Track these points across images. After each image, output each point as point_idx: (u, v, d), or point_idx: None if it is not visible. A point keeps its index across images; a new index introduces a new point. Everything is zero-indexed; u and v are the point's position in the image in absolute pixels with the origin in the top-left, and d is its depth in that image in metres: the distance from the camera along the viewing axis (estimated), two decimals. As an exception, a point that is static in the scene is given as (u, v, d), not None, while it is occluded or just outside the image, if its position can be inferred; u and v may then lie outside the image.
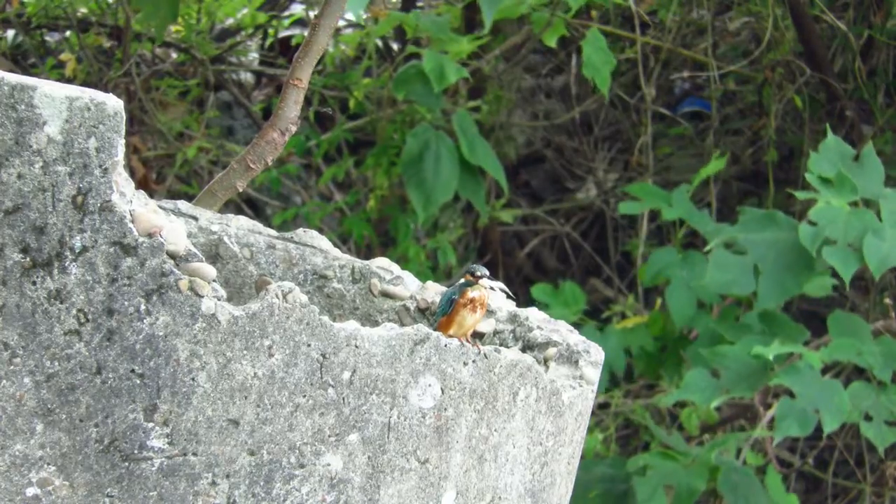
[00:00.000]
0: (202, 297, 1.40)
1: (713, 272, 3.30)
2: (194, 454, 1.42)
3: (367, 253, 4.21)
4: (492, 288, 1.73)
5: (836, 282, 3.46)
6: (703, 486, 3.28)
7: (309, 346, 1.45)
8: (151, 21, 3.58)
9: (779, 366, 3.15)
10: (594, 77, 3.55)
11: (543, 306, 3.54)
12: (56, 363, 1.38)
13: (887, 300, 3.56)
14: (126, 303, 1.39)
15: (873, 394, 3.18)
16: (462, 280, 1.68)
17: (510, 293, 1.79)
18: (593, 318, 3.99)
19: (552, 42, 3.59)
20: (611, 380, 3.83)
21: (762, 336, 3.26)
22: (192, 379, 1.41)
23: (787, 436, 3.13)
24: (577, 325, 3.53)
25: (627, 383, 4.18)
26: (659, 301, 3.85)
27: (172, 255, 1.41)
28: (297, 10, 4.78)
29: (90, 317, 1.38)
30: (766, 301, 3.25)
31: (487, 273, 1.68)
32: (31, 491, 1.39)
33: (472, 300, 1.65)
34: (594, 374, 1.75)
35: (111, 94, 1.41)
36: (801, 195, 3.25)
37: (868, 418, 3.17)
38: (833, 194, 3.16)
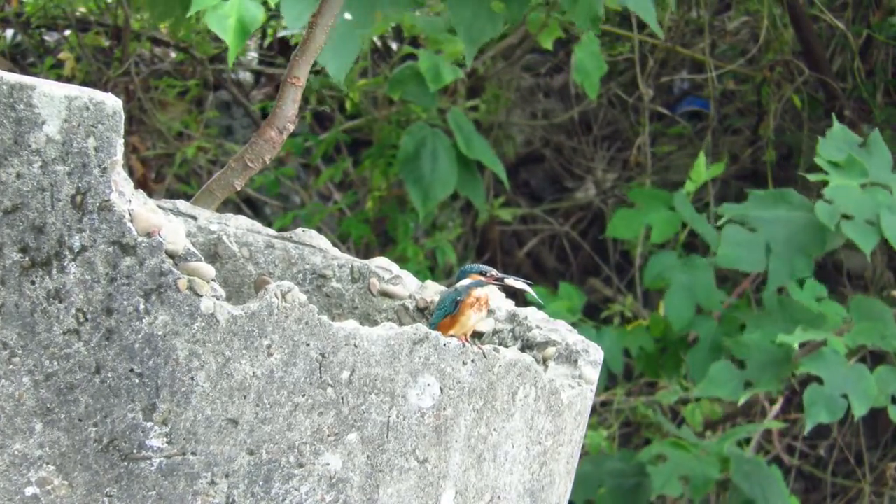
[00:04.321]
0: (201, 296, 1.40)
1: (725, 248, 3.26)
2: (193, 453, 1.42)
3: (365, 253, 4.21)
4: (527, 286, 1.74)
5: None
6: (717, 475, 3.28)
7: (308, 345, 1.45)
8: (165, 20, 3.58)
9: (802, 353, 3.13)
10: (584, 82, 3.55)
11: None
12: (55, 362, 1.38)
13: (895, 293, 3.57)
14: (125, 302, 1.38)
15: None
16: (468, 281, 1.69)
17: (533, 293, 1.79)
18: (593, 317, 3.99)
19: (548, 44, 3.59)
20: (610, 379, 3.82)
21: (783, 323, 3.23)
22: (191, 378, 1.41)
23: (818, 423, 3.10)
24: (574, 326, 3.51)
25: (628, 382, 4.18)
26: (661, 303, 3.85)
27: (171, 255, 1.41)
28: (296, 9, 4.77)
29: (89, 316, 1.38)
30: (776, 280, 3.22)
31: (497, 272, 1.71)
32: (30, 490, 1.39)
33: (478, 299, 1.68)
34: (593, 373, 1.75)
35: (110, 93, 1.41)
36: (813, 177, 3.24)
37: (895, 402, 3.15)
38: (843, 177, 3.15)
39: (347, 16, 2.78)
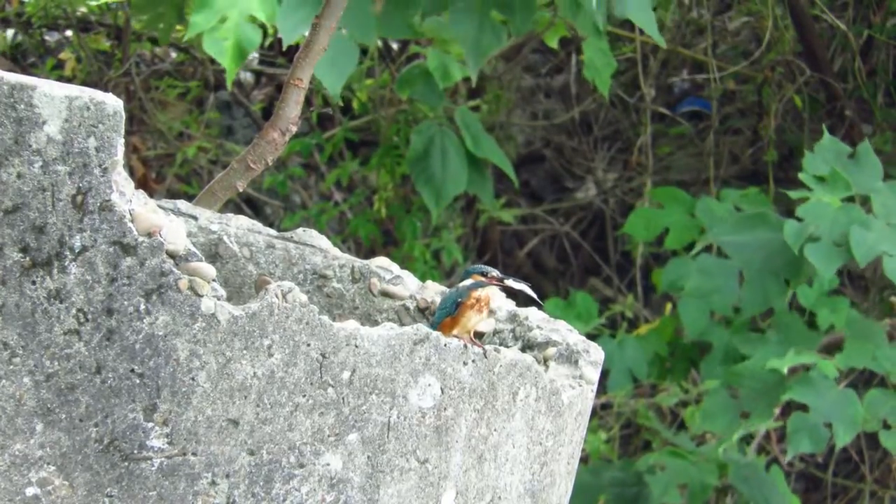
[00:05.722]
0: (202, 296, 1.40)
1: (696, 279, 3.24)
2: (194, 454, 1.42)
3: (367, 254, 4.20)
4: (527, 287, 1.75)
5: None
6: (714, 482, 3.28)
7: (308, 345, 1.45)
8: (155, 25, 3.59)
9: (794, 375, 3.11)
10: (595, 79, 3.55)
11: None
12: (56, 363, 1.38)
13: (894, 298, 3.56)
14: (126, 302, 1.38)
15: (892, 400, 3.12)
16: (470, 281, 1.69)
17: (533, 294, 1.80)
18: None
19: (553, 42, 3.60)
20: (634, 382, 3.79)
21: (777, 345, 3.20)
22: (192, 378, 1.40)
23: (799, 452, 3.09)
24: (592, 337, 3.50)
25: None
26: (669, 305, 3.84)
27: (172, 255, 1.41)
28: (297, 9, 4.77)
29: (90, 316, 1.38)
30: (750, 310, 3.19)
31: (498, 273, 1.70)
32: (30, 490, 1.39)
33: (478, 300, 1.67)
34: (594, 373, 1.75)
35: (111, 93, 1.41)
36: (794, 194, 3.21)
37: (887, 426, 3.12)
38: (826, 191, 3.11)
39: (345, 32, 2.79)
